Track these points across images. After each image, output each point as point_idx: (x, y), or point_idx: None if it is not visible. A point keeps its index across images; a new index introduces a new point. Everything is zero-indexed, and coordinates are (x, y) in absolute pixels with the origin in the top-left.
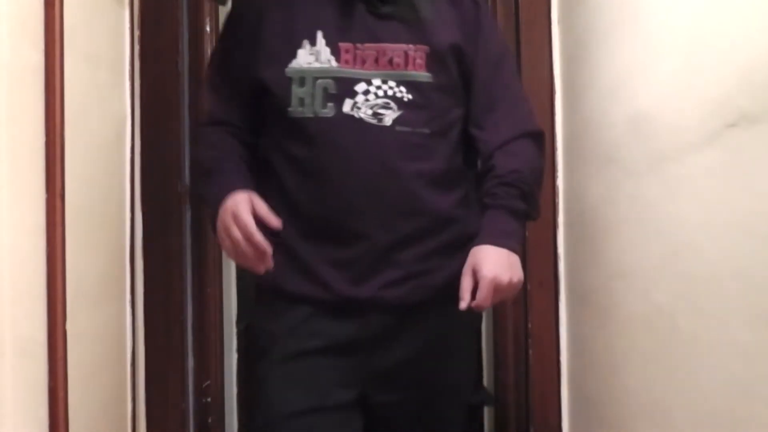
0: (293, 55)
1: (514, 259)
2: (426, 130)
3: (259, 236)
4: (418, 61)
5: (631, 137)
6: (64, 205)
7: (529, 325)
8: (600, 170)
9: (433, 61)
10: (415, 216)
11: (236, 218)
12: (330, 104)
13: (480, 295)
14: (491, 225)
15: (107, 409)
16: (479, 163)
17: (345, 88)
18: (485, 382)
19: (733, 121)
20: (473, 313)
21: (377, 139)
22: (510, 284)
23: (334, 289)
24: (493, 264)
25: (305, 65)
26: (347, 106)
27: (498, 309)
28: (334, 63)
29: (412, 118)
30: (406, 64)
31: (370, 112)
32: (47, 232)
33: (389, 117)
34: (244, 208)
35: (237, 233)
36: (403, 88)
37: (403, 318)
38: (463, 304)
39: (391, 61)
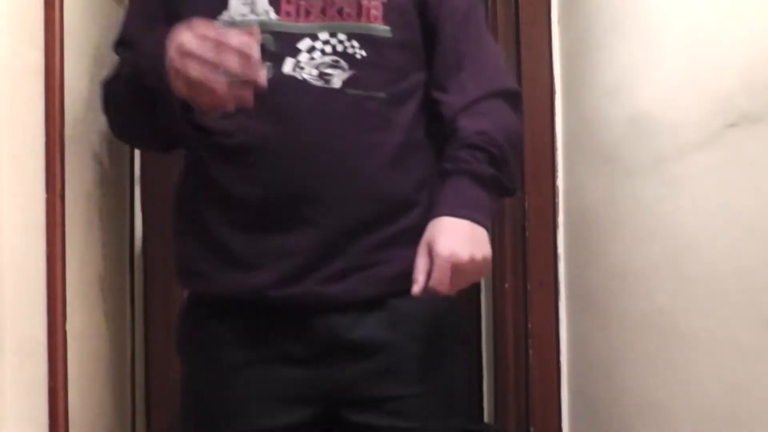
0: (224, 6)
1: (479, 234)
2: (382, 95)
3: (234, 31)
4: (374, 12)
5: (631, 137)
6: (64, 205)
7: (529, 325)
8: (600, 170)
9: (392, 13)
10: (369, 198)
11: (197, 30)
12: (267, 64)
13: (434, 275)
14: (451, 193)
15: (107, 409)
16: (444, 131)
17: (286, 45)
18: (485, 382)
19: (733, 121)
20: (450, 315)
21: (324, 105)
22: (472, 262)
23: (269, 286)
24: (450, 238)
25: (238, 17)
26: (288, 66)
27: (498, 309)
28: (272, 15)
29: (365, 80)
30: (359, 14)
31: (315, 72)
32: (47, 232)
33: (338, 78)
34: (199, 22)
35: (201, 47)
36: (355, 43)
37: (358, 319)
38: (416, 288)
39: (340, 12)
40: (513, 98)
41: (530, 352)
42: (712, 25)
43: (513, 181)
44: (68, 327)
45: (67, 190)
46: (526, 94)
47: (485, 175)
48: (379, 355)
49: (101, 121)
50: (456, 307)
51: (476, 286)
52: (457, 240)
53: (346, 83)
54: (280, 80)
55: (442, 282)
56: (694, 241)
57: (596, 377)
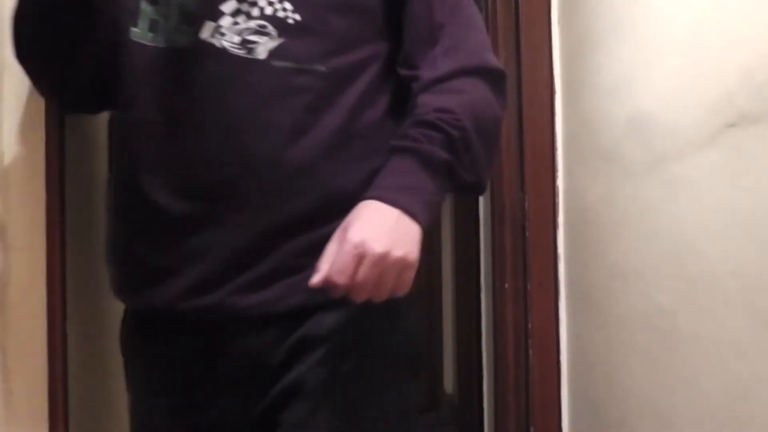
0: None
1: (407, 228)
2: (321, 68)
3: None
4: None
5: (631, 137)
6: (63, 204)
7: (529, 325)
8: (600, 170)
9: None
10: (296, 192)
11: None
12: (185, 27)
13: (335, 262)
14: (387, 173)
15: (107, 409)
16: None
17: (207, 6)
18: (485, 382)
19: (733, 121)
20: (385, 334)
21: (243, 79)
22: (387, 259)
23: (180, 297)
24: (367, 224)
25: None
26: (206, 32)
27: (498, 309)
28: None
29: (298, 49)
30: None
31: (237, 39)
32: (47, 232)
33: (264, 47)
34: None
35: None
36: (287, 5)
37: (280, 340)
38: (316, 278)
39: None
40: (494, 78)
41: (530, 352)
42: (712, 25)
43: (477, 173)
44: (68, 327)
45: (67, 189)
46: (526, 94)
47: (436, 159)
48: (289, 374)
49: (102, 120)
50: (398, 326)
51: (476, 286)
52: (374, 228)
53: (272, 53)
54: (195, 47)
55: (342, 272)
56: (694, 241)
57: (596, 377)
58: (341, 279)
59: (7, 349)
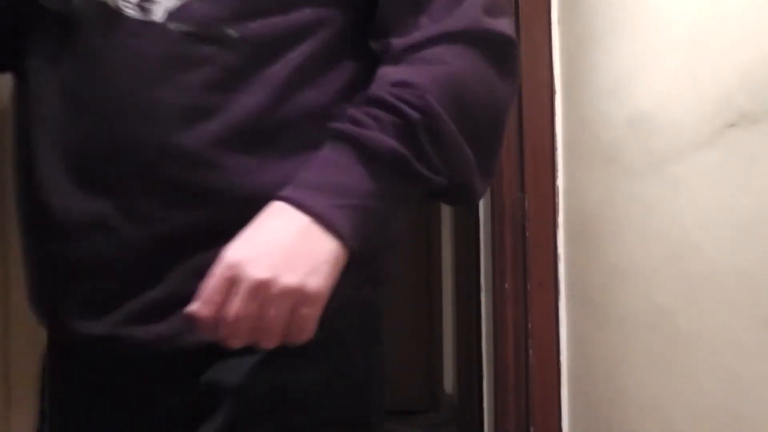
0: None
1: (315, 243)
2: (232, 33)
3: None
4: None
5: (631, 137)
6: None
7: (529, 325)
8: (600, 170)
9: None
10: (197, 197)
11: None
12: None
13: (202, 290)
14: (311, 166)
15: None
16: None
17: None
18: (485, 382)
19: (733, 121)
20: (334, 386)
21: (135, 45)
22: (272, 286)
23: (67, 320)
24: (254, 237)
25: None
26: None
27: (498, 309)
28: None
29: (202, 9)
30: None
31: None
32: None
33: (162, 6)
34: None
35: None
36: None
37: (194, 380)
38: (191, 306)
39: None
40: (494, 45)
41: (530, 352)
42: (711, 25)
43: (454, 173)
44: None
45: None
46: (526, 94)
47: (380, 149)
48: None
49: None
50: (342, 377)
51: (476, 286)
52: (261, 242)
53: (172, 15)
54: (86, 7)
55: (208, 302)
56: (694, 241)
57: (596, 377)
58: (204, 310)
59: (9, 350)
